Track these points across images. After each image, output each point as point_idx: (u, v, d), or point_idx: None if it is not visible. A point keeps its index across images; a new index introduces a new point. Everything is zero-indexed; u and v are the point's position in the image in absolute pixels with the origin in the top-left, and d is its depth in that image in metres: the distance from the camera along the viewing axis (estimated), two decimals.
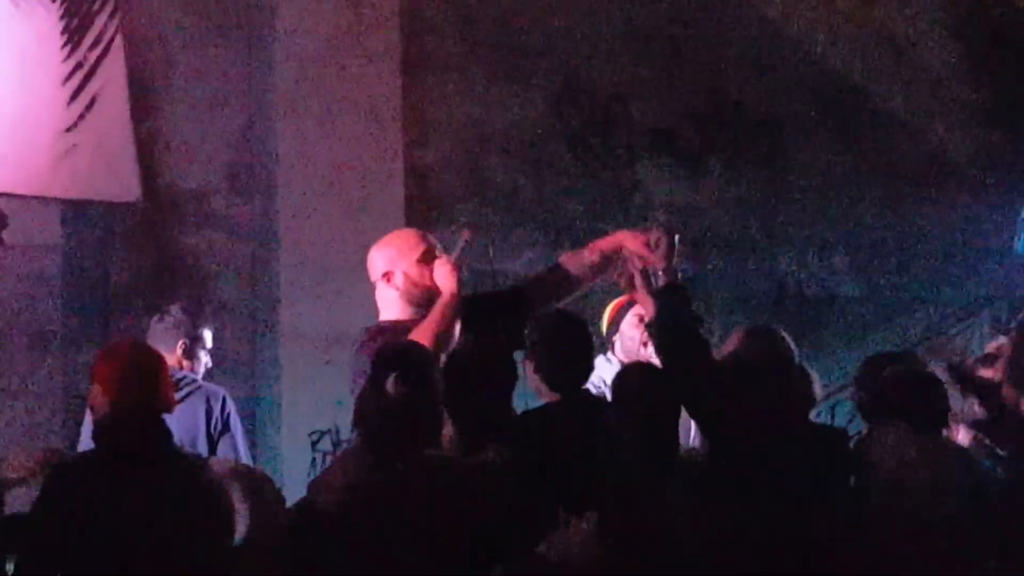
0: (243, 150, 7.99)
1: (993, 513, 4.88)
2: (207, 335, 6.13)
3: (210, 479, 4.38)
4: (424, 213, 8.14)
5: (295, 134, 7.88)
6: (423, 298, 5.08)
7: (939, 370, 5.71)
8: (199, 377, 6.03)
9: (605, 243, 5.34)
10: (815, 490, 4.63)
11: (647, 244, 5.09)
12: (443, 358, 4.78)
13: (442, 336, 4.92)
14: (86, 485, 4.23)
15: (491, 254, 5.13)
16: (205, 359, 6.12)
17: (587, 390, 4.99)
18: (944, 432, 5.19)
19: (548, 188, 8.70)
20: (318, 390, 7.00)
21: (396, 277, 5.16)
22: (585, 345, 4.93)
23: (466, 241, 5.24)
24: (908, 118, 9.67)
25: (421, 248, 5.20)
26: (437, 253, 5.17)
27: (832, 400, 7.86)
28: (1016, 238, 8.83)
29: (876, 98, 9.62)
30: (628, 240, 5.18)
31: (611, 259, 5.26)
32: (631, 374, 4.84)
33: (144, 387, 4.40)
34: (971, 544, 4.71)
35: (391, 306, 5.16)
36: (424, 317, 5.00)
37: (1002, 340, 6.78)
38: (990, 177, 9.80)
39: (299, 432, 7.56)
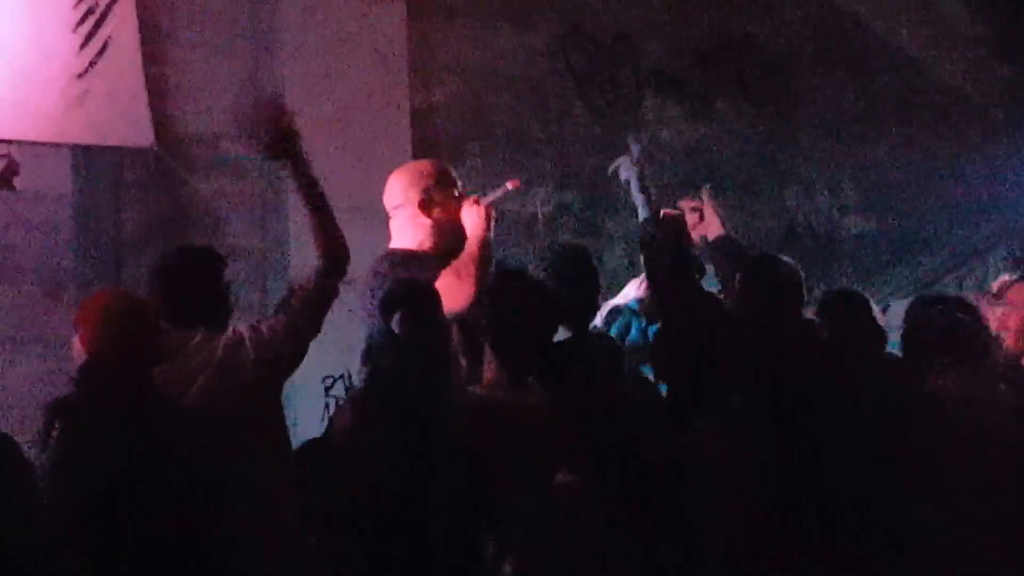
0: (250, 94, 8.00)
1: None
2: None
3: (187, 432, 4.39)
4: (430, 155, 8.14)
5: (302, 77, 7.88)
6: (441, 228, 5.05)
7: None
8: None
9: None
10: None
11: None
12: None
13: (480, 281, 4.87)
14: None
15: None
16: None
17: (598, 329, 5.02)
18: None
19: (554, 129, 8.71)
20: (329, 334, 7.02)
21: (408, 205, 5.14)
22: (593, 276, 4.95)
23: (508, 190, 5.21)
24: (919, 55, 9.62)
25: (435, 175, 5.16)
26: (456, 185, 5.16)
27: None
28: None
29: (886, 35, 9.58)
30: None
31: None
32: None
33: (120, 338, 4.41)
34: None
35: (405, 233, 5.14)
36: (438, 245, 4.99)
37: (1006, 277, 6.77)
38: (1002, 114, 9.77)
39: (311, 377, 7.58)
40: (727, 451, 4.53)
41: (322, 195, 4.82)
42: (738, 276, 5.05)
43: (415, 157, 7.90)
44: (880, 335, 5.22)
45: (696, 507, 4.49)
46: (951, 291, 8.63)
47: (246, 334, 4.78)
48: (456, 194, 5.11)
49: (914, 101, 9.59)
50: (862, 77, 9.47)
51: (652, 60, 8.97)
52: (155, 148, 7.72)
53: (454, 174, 5.21)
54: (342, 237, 4.82)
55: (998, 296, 6.17)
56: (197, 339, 4.72)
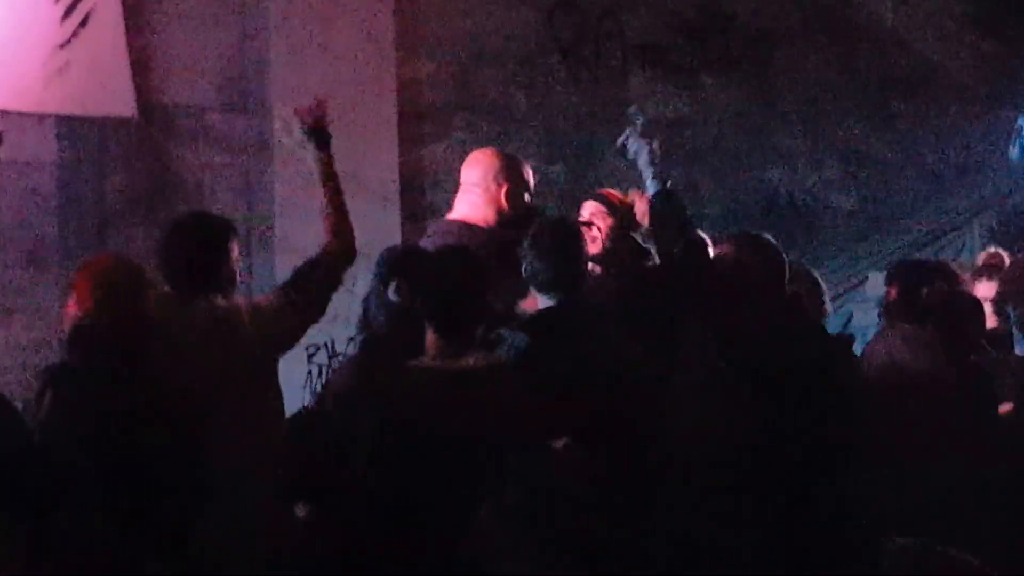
0: (237, 65, 7.98)
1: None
2: None
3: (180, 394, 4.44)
4: (417, 127, 8.20)
5: (288, 48, 7.88)
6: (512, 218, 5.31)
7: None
8: None
9: None
10: (819, 395, 4.69)
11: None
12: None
13: None
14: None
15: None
16: None
17: (587, 299, 5.08)
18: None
19: (541, 102, 8.73)
20: None
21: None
22: (577, 247, 5.00)
23: None
24: (900, 29, 9.66)
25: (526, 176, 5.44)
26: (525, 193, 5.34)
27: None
28: (1012, 146, 8.87)
29: (867, 10, 9.62)
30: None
31: None
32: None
33: (114, 300, 4.46)
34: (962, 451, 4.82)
35: (477, 209, 5.36)
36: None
37: (993, 250, 6.84)
38: (981, 87, 9.82)
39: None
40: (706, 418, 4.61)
41: (339, 188, 4.96)
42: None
43: (401, 130, 7.96)
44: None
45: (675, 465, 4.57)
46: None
47: (244, 307, 4.82)
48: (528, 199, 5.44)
49: (895, 76, 9.64)
50: (845, 52, 9.50)
51: (638, 34, 8.99)
52: (137, 119, 7.71)
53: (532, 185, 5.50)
54: (352, 230, 4.94)
55: (981, 271, 6.26)
56: (200, 307, 4.75)
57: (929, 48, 9.73)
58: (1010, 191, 9.41)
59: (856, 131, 9.53)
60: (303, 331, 5.02)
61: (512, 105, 8.66)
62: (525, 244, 4.93)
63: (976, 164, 9.61)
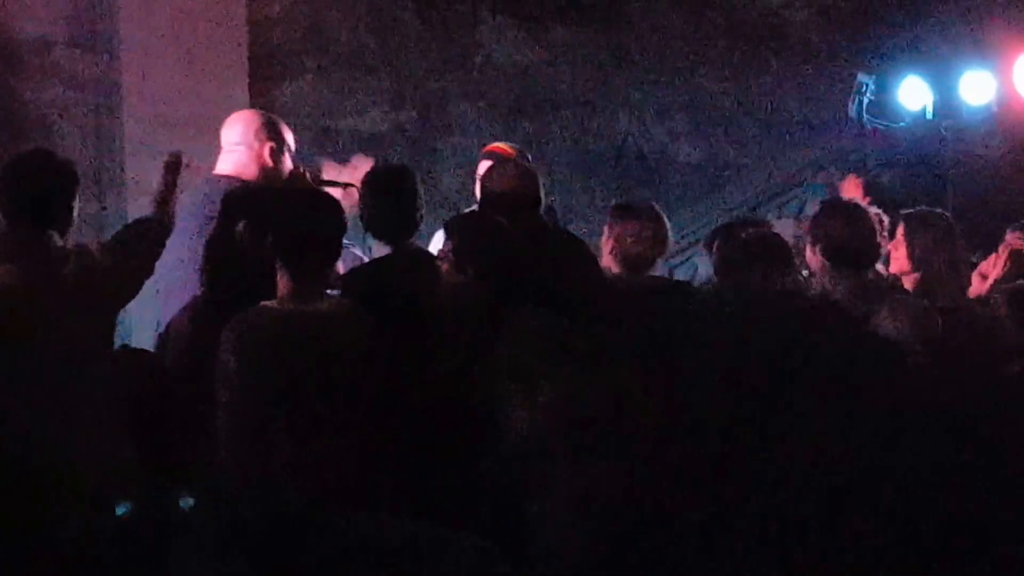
0: (85, 1, 7.88)
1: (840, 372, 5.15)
2: None
3: None
4: (267, 67, 8.15)
5: None
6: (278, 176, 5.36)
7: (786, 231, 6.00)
8: None
9: None
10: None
11: None
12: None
13: None
14: None
15: None
16: None
17: (418, 246, 5.14)
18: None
19: (392, 46, 8.72)
20: None
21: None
22: (416, 193, 5.05)
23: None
24: None
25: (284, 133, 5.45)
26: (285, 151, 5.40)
27: (671, 261, 8.05)
28: (851, 102, 9.01)
29: None
30: None
31: None
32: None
33: None
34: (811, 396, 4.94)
35: (247, 167, 5.37)
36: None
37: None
38: (828, 43, 9.96)
39: (145, 287, 7.56)
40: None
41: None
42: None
43: (251, 71, 7.90)
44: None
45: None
46: (772, 217, 8.89)
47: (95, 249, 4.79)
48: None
49: (742, 28, 9.74)
50: (693, 4, 9.59)
51: None
52: None
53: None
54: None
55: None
56: (40, 242, 4.70)
57: (776, 1, 9.85)
58: (853, 148, 9.58)
59: (703, 83, 9.64)
60: (134, 289, 5.00)
61: (362, 50, 8.64)
62: (362, 190, 4.98)
63: (821, 119, 9.76)
